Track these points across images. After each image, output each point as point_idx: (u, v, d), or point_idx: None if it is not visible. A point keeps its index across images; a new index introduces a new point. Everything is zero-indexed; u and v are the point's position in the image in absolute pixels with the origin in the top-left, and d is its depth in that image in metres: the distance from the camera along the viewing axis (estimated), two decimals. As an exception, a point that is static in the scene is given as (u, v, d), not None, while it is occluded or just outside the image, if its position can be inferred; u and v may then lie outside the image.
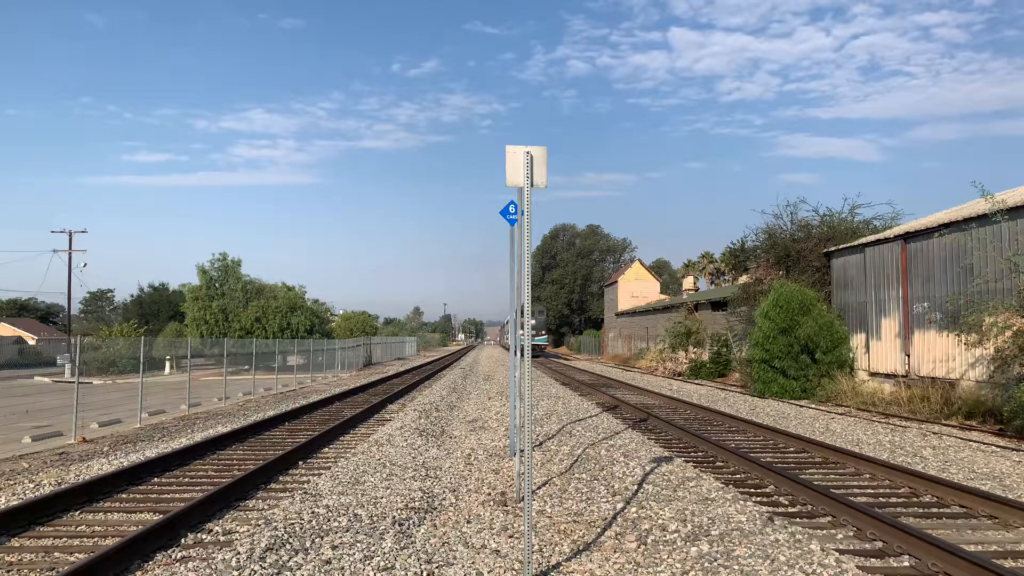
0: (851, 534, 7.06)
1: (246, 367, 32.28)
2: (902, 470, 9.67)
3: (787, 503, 8.45)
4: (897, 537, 6.53)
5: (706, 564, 5.89)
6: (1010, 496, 8.46)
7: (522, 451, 6.39)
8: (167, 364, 41.89)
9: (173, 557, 6.45)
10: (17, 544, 6.94)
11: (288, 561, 6.02)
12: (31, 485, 9.48)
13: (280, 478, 10.17)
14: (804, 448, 12.21)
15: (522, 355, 6.01)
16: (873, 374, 21.47)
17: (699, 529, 6.88)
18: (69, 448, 13.21)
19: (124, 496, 8.99)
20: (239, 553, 6.15)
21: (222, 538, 7.04)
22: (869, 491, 9.06)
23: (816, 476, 9.95)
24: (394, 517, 7.46)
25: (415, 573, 5.76)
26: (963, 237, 17.15)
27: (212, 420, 17.57)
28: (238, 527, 7.38)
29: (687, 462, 10.69)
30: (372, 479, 9.50)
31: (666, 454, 11.19)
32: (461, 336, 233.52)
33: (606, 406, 19.45)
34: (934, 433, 14.31)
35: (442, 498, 8.44)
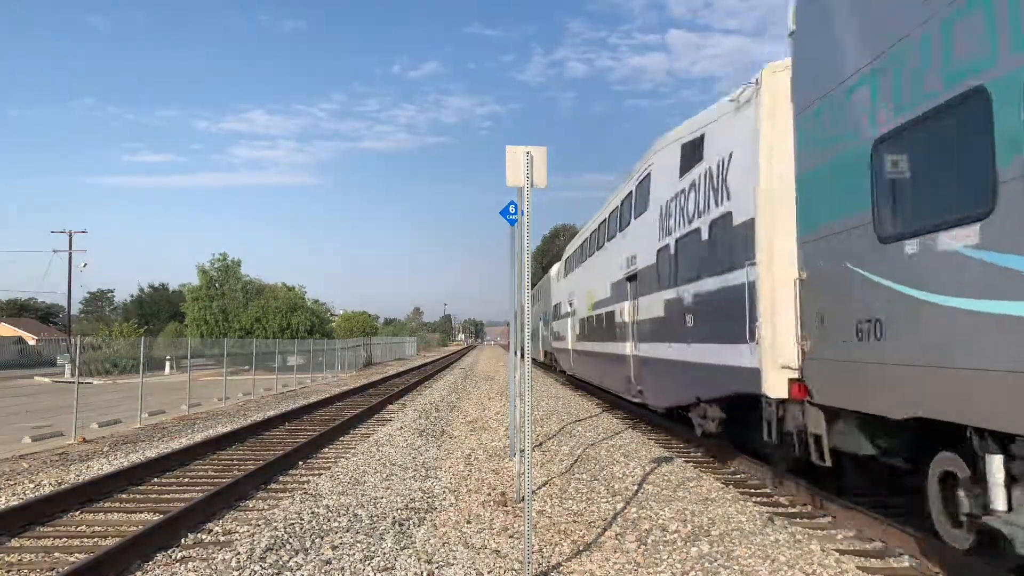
0: (851, 534, 7.05)
1: (246, 367, 32.29)
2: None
3: (787, 503, 8.45)
4: (897, 537, 6.52)
5: (706, 564, 5.88)
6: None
7: (522, 451, 6.39)
8: (167, 364, 41.86)
9: (173, 557, 6.45)
10: (17, 544, 6.94)
11: (288, 561, 6.02)
12: (31, 485, 9.48)
13: (280, 478, 10.16)
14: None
15: (522, 355, 6.01)
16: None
17: (699, 529, 6.88)
18: (69, 448, 13.21)
19: (124, 496, 8.99)
20: (239, 553, 6.15)
21: (222, 538, 7.04)
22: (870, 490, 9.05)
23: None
24: (394, 517, 7.46)
25: (415, 573, 5.75)
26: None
27: (212, 420, 17.56)
28: (238, 527, 7.38)
29: (687, 462, 10.68)
30: (372, 479, 9.50)
31: (666, 454, 11.19)
32: (461, 336, 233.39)
33: (606, 406, 19.45)
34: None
35: (442, 498, 8.43)
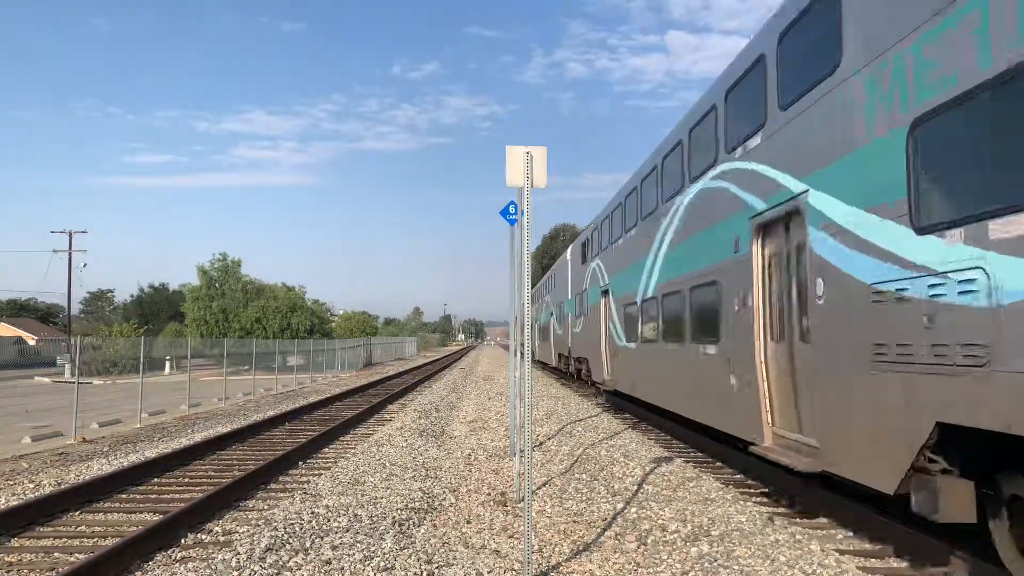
0: (851, 534, 7.05)
1: (246, 367, 32.30)
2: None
3: (787, 503, 8.45)
4: (897, 537, 6.51)
5: (706, 564, 5.88)
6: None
7: (522, 451, 6.39)
8: (167, 364, 41.87)
9: (173, 557, 6.44)
10: (17, 544, 6.94)
11: (288, 561, 6.01)
12: (31, 485, 9.48)
13: (280, 478, 10.16)
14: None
15: (522, 355, 6.02)
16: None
17: (699, 529, 6.88)
18: (69, 448, 13.21)
19: (124, 496, 8.99)
20: (239, 553, 6.15)
21: (222, 538, 7.04)
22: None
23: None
24: (394, 517, 7.46)
25: (415, 573, 5.75)
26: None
27: (212, 420, 17.56)
28: (238, 527, 7.38)
29: (687, 462, 10.68)
30: (372, 479, 9.50)
31: (666, 454, 11.19)
32: (461, 336, 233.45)
33: (606, 406, 19.44)
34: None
35: (442, 498, 8.43)
